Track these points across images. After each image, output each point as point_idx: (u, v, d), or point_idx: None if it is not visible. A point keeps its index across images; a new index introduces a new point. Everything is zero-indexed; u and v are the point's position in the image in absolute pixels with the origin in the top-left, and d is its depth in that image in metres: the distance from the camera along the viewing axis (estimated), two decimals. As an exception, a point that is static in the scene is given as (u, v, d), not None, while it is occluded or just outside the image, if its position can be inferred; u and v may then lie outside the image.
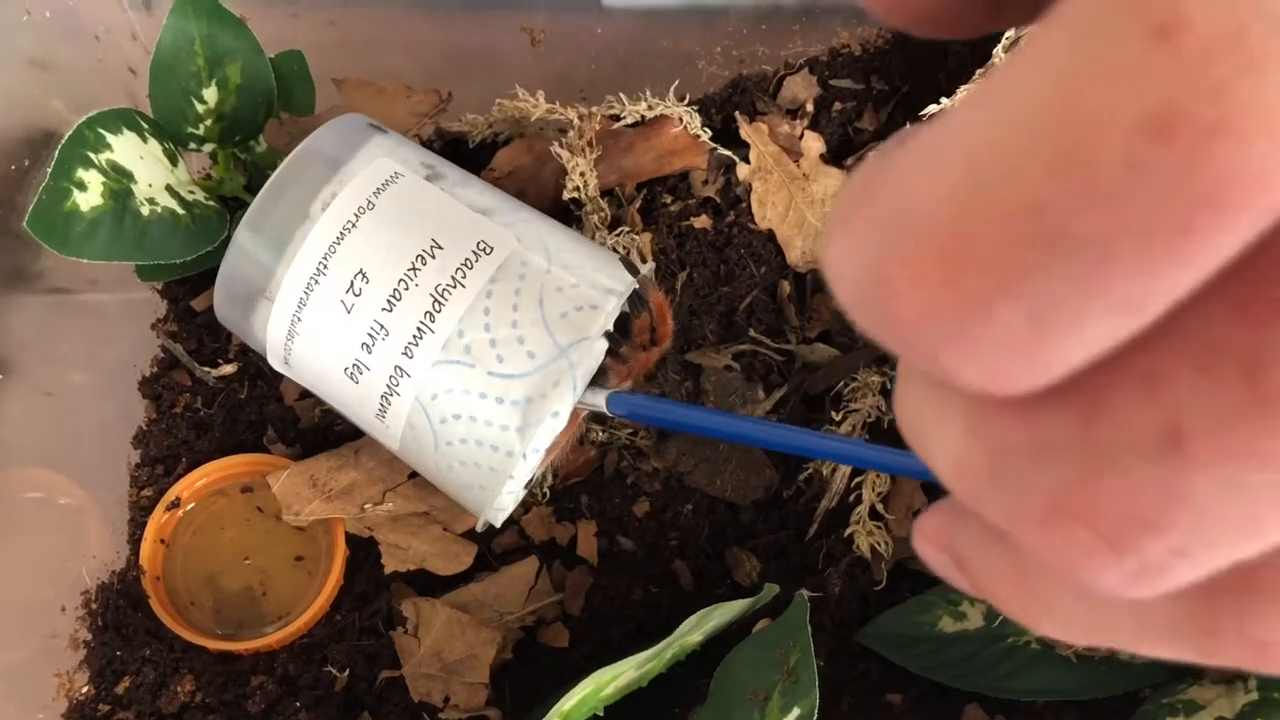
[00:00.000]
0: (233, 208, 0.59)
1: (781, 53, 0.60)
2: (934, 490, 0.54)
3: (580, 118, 0.57)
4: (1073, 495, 0.13)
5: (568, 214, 0.57)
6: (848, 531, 0.54)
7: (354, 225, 0.47)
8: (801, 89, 0.60)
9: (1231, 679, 0.45)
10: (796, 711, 0.43)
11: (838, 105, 0.59)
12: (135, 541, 0.54)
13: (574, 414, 0.46)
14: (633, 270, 0.49)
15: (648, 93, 0.57)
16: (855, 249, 0.13)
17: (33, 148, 0.58)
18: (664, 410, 0.45)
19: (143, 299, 0.60)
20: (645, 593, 0.55)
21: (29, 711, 0.49)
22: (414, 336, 0.47)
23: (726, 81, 0.61)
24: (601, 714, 0.46)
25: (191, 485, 0.55)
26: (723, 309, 0.59)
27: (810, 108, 0.59)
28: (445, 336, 0.46)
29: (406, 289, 0.47)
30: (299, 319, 0.48)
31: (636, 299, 0.49)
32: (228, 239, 0.57)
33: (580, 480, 0.57)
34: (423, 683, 0.51)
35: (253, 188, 0.60)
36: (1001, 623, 0.49)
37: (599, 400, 0.46)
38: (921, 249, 0.12)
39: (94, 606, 0.52)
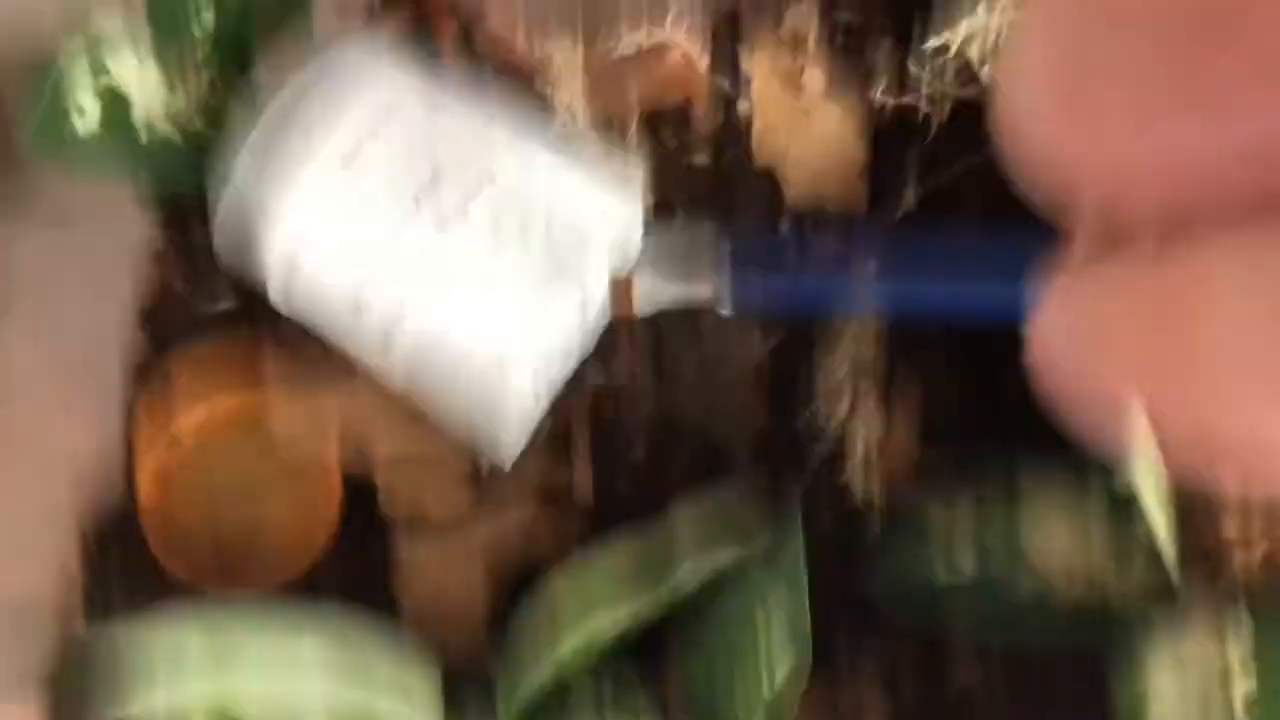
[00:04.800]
0: (231, 138, 0.58)
1: (783, -16, 0.59)
2: (932, 435, 0.55)
3: (564, 50, 0.57)
4: None
5: (562, 149, 0.57)
6: (843, 478, 0.54)
7: (355, 155, 0.47)
8: (804, 20, 0.59)
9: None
10: (789, 661, 0.44)
11: (840, 38, 0.59)
12: (132, 477, 0.54)
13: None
14: (632, 197, 0.50)
15: (646, 22, 0.57)
16: None
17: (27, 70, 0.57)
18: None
19: (142, 232, 0.60)
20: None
21: (27, 642, 0.49)
22: (418, 266, 0.46)
23: (727, 12, 0.60)
24: (596, 656, 0.47)
25: (190, 420, 0.55)
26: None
27: (812, 40, 0.59)
28: (449, 266, 0.46)
29: (409, 220, 0.47)
30: (300, 253, 0.48)
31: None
32: (225, 167, 0.57)
33: (577, 423, 0.57)
34: (419, 625, 0.52)
35: (251, 118, 0.59)
36: (994, 574, 0.50)
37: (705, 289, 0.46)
38: None
39: (90, 542, 0.53)
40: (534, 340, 0.46)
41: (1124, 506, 0.45)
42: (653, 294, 0.48)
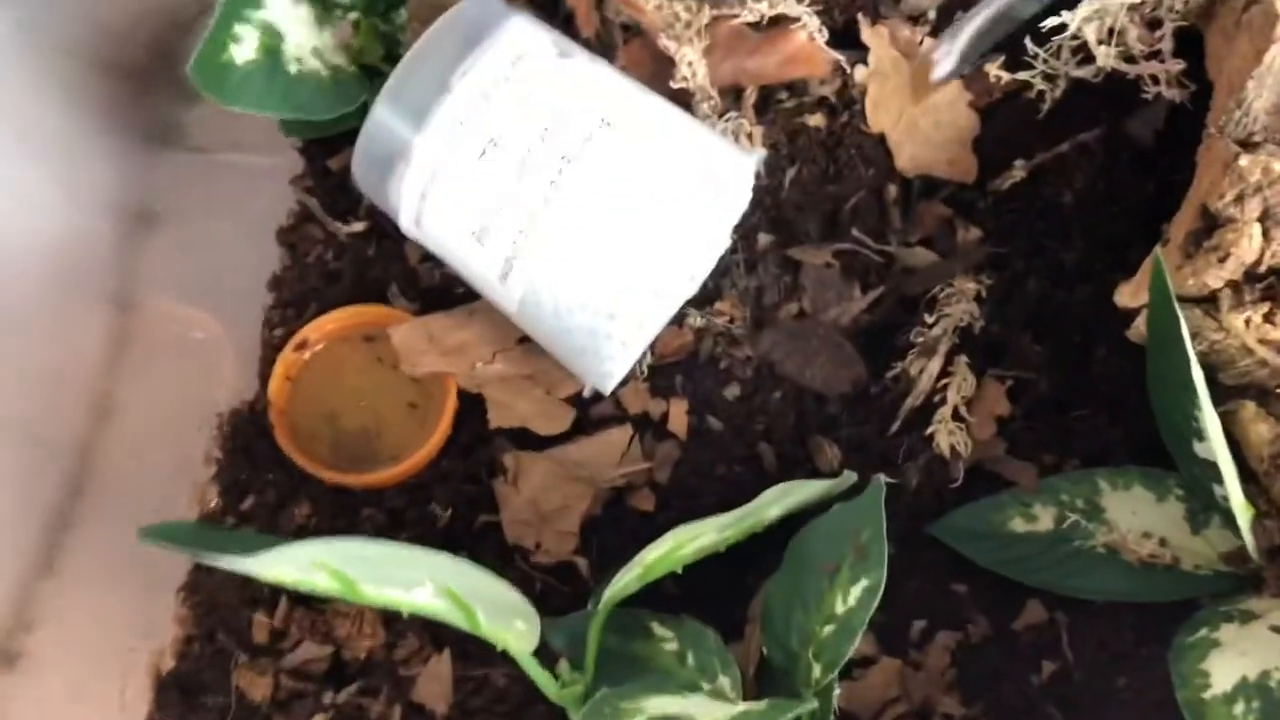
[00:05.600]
0: (371, 75, 0.62)
1: (909, -41, 0.61)
2: (1020, 398, 0.56)
3: (689, 11, 0.59)
4: None
5: (682, 106, 0.59)
6: (929, 430, 0.56)
7: (488, 96, 0.50)
8: (924, -3, 0.61)
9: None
10: (864, 583, 0.46)
11: (959, 13, 0.60)
12: (264, 376, 0.59)
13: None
14: (745, 153, 0.52)
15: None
16: None
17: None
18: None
19: (283, 159, 0.64)
20: (729, 470, 0.58)
21: (164, 516, 0.54)
22: (540, 204, 0.50)
23: (850, -16, 0.62)
24: (680, 572, 0.50)
25: (319, 329, 0.60)
26: (828, 208, 0.61)
27: (933, 14, 0.60)
28: (568, 205, 0.49)
29: (534, 156, 0.50)
30: (432, 183, 0.51)
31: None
32: (366, 103, 0.61)
33: (676, 361, 0.60)
34: (518, 528, 0.56)
35: (391, 58, 0.63)
36: (1070, 526, 0.52)
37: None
38: None
39: (225, 430, 0.58)
40: (643, 284, 0.49)
41: (1204, 473, 0.47)
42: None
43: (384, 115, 0.52)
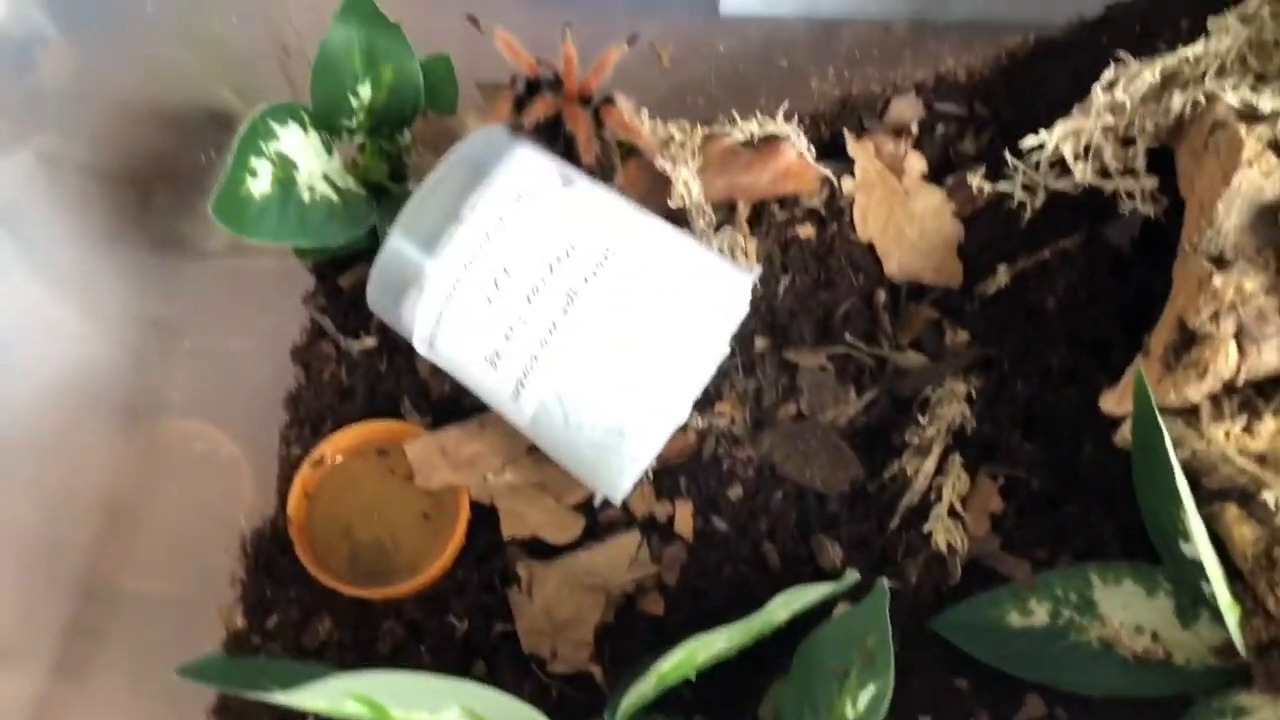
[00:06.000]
0: (377, 194, 0.65)
1: (890, 75, 0.64)
2: (1012, 494, 0.58)
3: (683, 133, 0.62)
4: None
5: (679, 220, 0.62)
6: (926, 527, 0.58)
7: (498, 227, 0.53)
8: (907, 110, 0.64)
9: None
10: (872, 689, 0.47)
11: (941, 127, 0.63)
12: (283, 493, 0.61)
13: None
14: (742, 269, 0.54)
15: (759, 113, 0.62)
16: None
17: (199, 127, 0.64)
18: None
19: (293, 263, 0.66)
20: (735, 570, 0.60)
21: (194, 639, 0.56)
22: (549, 329, 0.52)
23: (837, 99, 0.65)
24: (693, 678, 0.52)
25: (334, 445, 0.62)
26: (821, 313, 0.63)
27: (915, 128, 0.63)
28: (577, 330, 0.52)
29: (544, 284, 0.52)
30: (446, 309, 0.53)
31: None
32: (374, 225, 0.63)
33: (680, 463, 0.62)
34: (533, 637, 0.57)
35: (396, 176, 0.66)
36: (1065, 621, 0.54)
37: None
38: None
39: (248, 549, 0.59)
40: (650, 401, 0.51)
41: (1191, 571, 0.49)
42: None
43: (399, 245, 0.54)
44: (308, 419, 0.63)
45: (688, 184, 0.60)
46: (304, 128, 0.61)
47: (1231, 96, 0.49)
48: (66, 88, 0.64)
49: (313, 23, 0.66)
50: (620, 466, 0.53)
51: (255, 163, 0.57)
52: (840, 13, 0.70)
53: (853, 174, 0.63)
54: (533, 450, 0.60)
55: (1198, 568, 0.48)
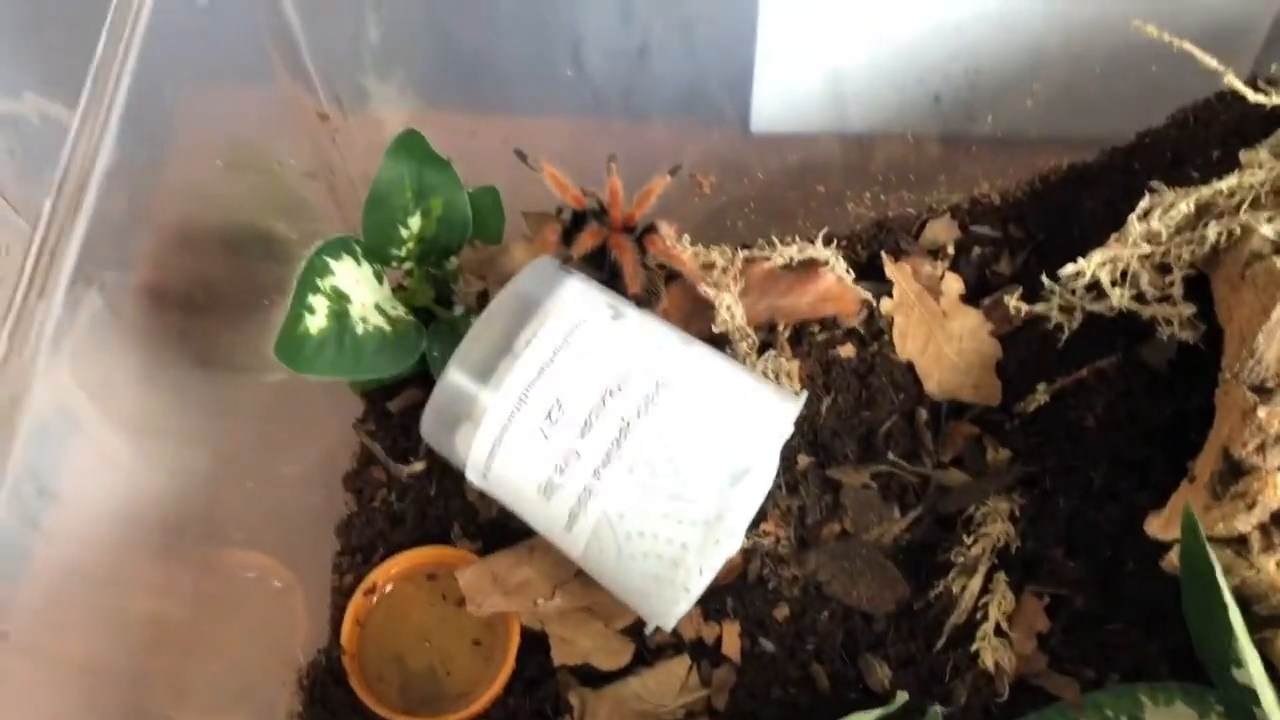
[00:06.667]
0: (425, 319, 0.66)
1: (925, 198, 0.65)
2: (1057, 613, 0.59)
3: (724, 258, 0.63)
4: None
5: (722, 343, 0.63)
6: (974, 646, 0.58)
7: (552, 361, 0.54)
8: (943, 232, 0.65)
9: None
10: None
11: (976, 249, 0.65)
12: (336, 622, 0.61)
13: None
14: (788, 393, 0.55)
15: (797, 237, 0.63)
16: None
17: (251, 255, 0.66)
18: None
19: (344, 394, 0.68)
20: (785, 692, 0.60)
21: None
22: (603, 461, 0.53)
23: (872, 221, 0.66)
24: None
25: (385, 572, 0.62)
26: (863, 431, 0.64)
27: (950, 250, 0.65)
28: (630, 462, 0.53)
29: (597, 418, 0.53)
30: (500, 442, 0.54)
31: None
32: (424, 353, 0.64)
33: (727, 583, 0.62)
34: (587, 762, 0.58)
35: (442, 300, 0.67)
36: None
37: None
38: None
39: (304, 681, 0.60)
40: (704, 536, 0.52)
41: (1244, 696, 0.49)
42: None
43: (454, 380, 0.55)
44: (359, 547, 0.64)
45: (730, 309, 0.62)
46: (357, 260, 0.62)
47: (1267, 229, 0.51)
48: (123, 219, 0.65)
49: (363, 150, 0.68)
50: (674, 597, 0.54)
51: (312, 299, 0.59)
52: (868, 127, 0.72)
53: (891, 294, 0.64)
54: (581, 574, 0.61)
55: (1249, 693, 0.48)
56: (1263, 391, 0.50)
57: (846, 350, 0.64)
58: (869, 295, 0.64)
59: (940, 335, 0.64)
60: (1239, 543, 0.49)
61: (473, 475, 0.57)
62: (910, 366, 0.64)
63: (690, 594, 0.54)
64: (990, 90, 0.68)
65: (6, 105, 0.82)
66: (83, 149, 0.57)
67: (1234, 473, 0.49)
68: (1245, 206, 0.52)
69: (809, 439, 0.64)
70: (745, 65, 0.71)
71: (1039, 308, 0.61)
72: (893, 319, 0.64)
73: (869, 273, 0.65)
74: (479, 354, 0.55)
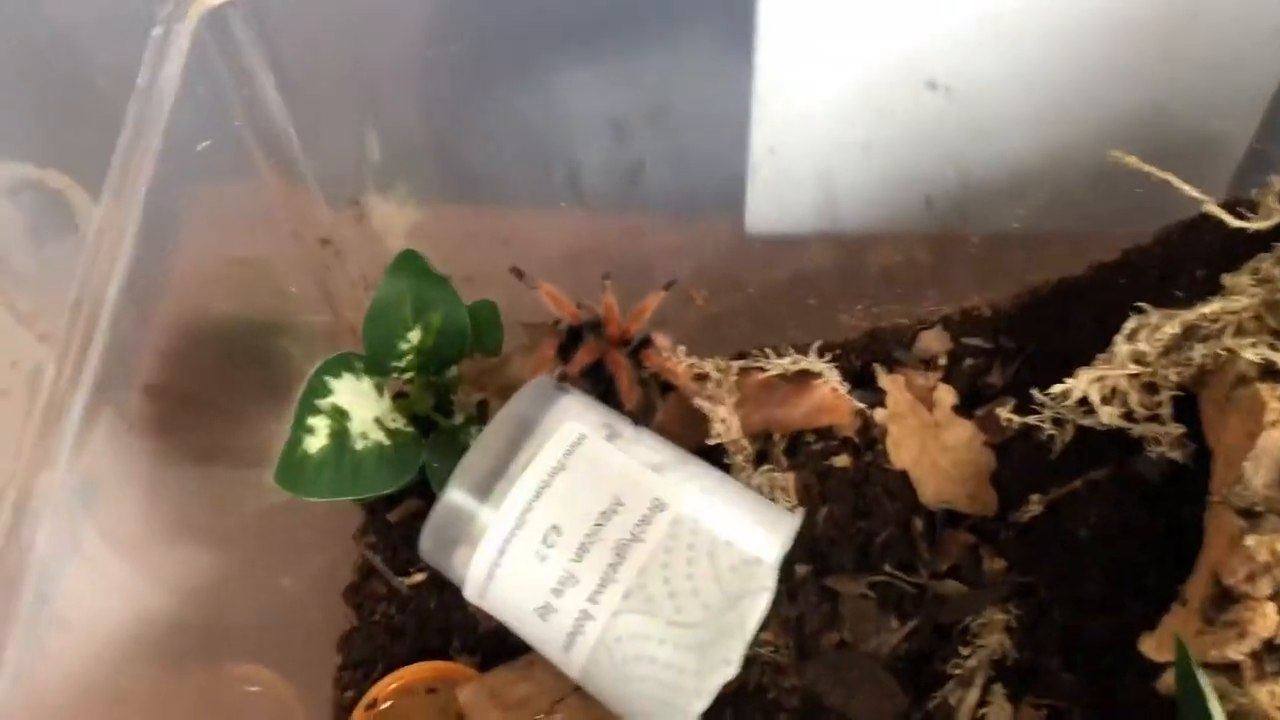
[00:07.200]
0: (425, 428, 0.67)
1: (916, 310, 0.66)
2: (1055, 726, 0.59)
3: (718, 370, 0.64)
4: None
5: (718, 453, 0.64)
6: (973, 759, 0.59)
7: (548, 484, 0.55)
8: (935, 343, 0.66)
9: None
10: None
11: (968, 360, 0.66)
12: (340, 734, 0.62)
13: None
14: (787, 517, 0.56)
15: (792, 349, 0.64)
16: None
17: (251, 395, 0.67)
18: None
19: (344, 509, 0.68)
20: (786, 806, 0.60)
21: None
22: (599, 586, 0.54)
23: (865, 331, 0.67)
24: None
25: (385, 687, 0.63)
26: (860, 540, 0.65)
27: (943, 361, 0.66)
28: (627, 586, 0.53)
29: (593, 542, 0.54)
30: (498, 564, 0.55)
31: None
32: (424, 465, 0.65)
33: (725, 694, 0.62)
34: None
35: (441, 408, 0.68)
36: None
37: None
38: None
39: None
40: (703, 660, 0.52)
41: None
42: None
43: (453, 501, 0.56)
44: (360, 661, 0.64)
45: (725, 422, 0.62)
46: (356, 376, 0.63)
47: (1251, 354, 0.52)
48: (133, 334, 0.66)
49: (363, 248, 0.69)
50: (672, 719, 0.54)
51: (311, 420, 0.60)
52: (861, 227, 0.73)
53: (884, 404, 0.65)
54: (581, 689, 0.61)
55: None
56: (1250, 516, 0.50)
57: (842, 460, 0.65)
58: (863, 406, 0.65)
59: (934, 445, 0.64)
60: (1233, 669, 0.50)
61: (471, 594, 0.57)
62: (905, 476, 0.65)
63: (690, 715, 0.54)
64: (981, 196, 0.70)
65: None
66: (99, 269, 0.58)
67: (1225, 599, 0.50)
68: (1229, 332, 0.53)
69: (806, 548, 0.65)
70: (738, 171, 0.72)
71: (1031, 420, 0.61)
72: (887, 429, 0.65)
73: (862, 381, 0.66)
74: (477, 476, 0.56)
